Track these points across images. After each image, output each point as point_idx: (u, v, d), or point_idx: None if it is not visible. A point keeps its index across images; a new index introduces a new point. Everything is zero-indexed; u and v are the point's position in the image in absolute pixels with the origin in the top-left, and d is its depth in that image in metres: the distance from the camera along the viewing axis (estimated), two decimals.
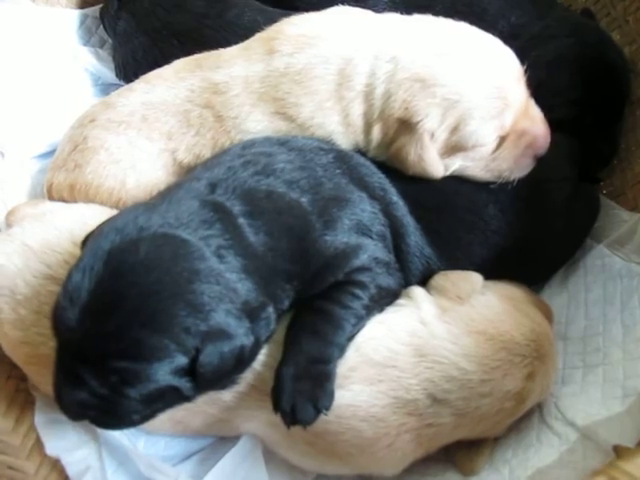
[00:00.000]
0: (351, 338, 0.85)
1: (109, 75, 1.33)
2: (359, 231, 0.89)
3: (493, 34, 0.98)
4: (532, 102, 0.96)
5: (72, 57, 1.33)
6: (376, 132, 0.93)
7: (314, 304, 0.84)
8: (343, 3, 1.11)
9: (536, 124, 0.94)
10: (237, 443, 0.93)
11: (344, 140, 0.96)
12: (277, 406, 0.79)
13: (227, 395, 0.85)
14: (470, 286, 0.91)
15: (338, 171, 0.91)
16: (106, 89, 1.33)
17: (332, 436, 0.82)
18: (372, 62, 0.92)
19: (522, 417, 0.92)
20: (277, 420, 0.80)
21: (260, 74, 0.95)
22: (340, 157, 0.93)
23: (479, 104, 0.89)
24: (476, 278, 0.92)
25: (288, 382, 0.79)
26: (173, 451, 0.98)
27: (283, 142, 0.92)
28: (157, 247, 0.73)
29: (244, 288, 0.77)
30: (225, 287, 0.75)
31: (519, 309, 0.91)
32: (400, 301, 0.91)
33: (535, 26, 1.11)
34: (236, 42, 1.04)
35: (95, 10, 1.36)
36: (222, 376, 0.76)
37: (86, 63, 1.34)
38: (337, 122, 0.94)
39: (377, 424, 0.82)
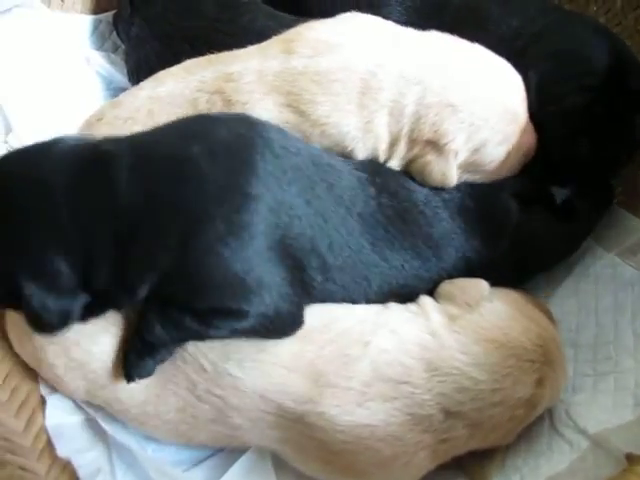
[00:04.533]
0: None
1: (121, 79, 1.34)
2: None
3: (495, 38, 1.06)
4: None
5: (85, 61, 1.34)
6: (402, 147, 0.96)
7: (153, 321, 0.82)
8: (357, 8, 1.12)
9: (530, 135, 1.02)
10: (247, 451, 0.93)
11: (359, 144, 0.96)
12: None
13: (238, 419, 0.85)
14: (478, 292, 0.91)
15: None
16: (118, 93, 1.32)
17: (350, 456, 0.82)
18: (397, 81, 0.93)
19: (532, 424, 0.91)
20: (289, 437, 0.80)
21: (275, 69, 0.95)
22: None
23: (500, 130, 0.96)
24: (483, 284, 0.92)
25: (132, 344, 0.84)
26: (183, 457, 0.98)
27: None
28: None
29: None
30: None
31: (525, 314, 0.91)
32: (411, 308, 0.91)
33: (536, 25, 1.12)
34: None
35: (108, 16, 1.37)
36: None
37: (99, 67, 1.35)
38: (355, 126, 0.95)
39: (395, 443, 0.81)
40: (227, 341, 0.85)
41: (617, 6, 1.21)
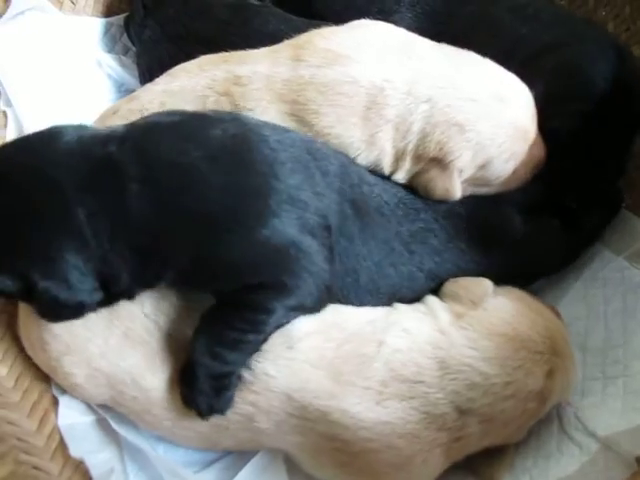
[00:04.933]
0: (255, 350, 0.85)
1: (132, 81, 1.34)
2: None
3: (505, 46, 1.05)
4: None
5: (96, 64, 1.34)
6: (407, 162, 0.96)
7: (214, 321, 0.84)
8: (368, 14, 1.12)
9: (539, 147, 1.01)
10: (258, 452, 0.94)
11: (362, 155, 0.97)
12: (183, 398, 0.85)
13: (265, 423, 0.86)
14: (482, 290, 0.92)
15: None
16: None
17: (371, 455, 0.83)
18: (405, 98, 0.93)
19: (542, 426, 0.93)
20: (308, 442, 0.82)
21: (283, 76, 0.96)
22: None
23: (507, 148, 0.96)
24: (487, 283, 0.93)
25: (195, 388, 0.83)
26: (194, 458, 0.99)
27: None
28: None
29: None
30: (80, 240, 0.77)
31: (531, 308, 0.92)
32: (419, 307, 0.92)
33: (546, 35, 1.11)
34: None
35: (120, 19, 1.37)
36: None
37: (109, 70, 1.35)
38: (359, 138, 0.95)
39: (412, 441, 0.82)
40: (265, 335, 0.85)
41: (626, 12, 1.21)
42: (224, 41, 1.15)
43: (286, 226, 0.81)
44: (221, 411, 0.84)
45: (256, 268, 0.82)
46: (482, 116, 0.93)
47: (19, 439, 0.92)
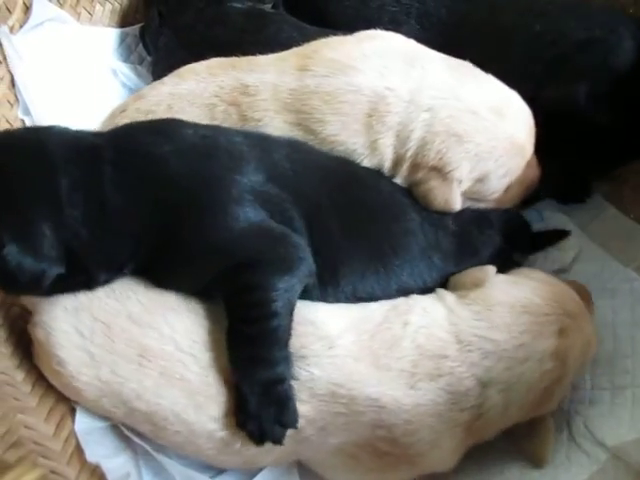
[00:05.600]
0: (289, 338, 0.85)
1: None
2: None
3: (520, 51, 1.09)
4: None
5: (112, 72, 1.37)
6: (405, 168, 0.99)
7: (233, 326, 0.84)
8: (378, 24, 1.14)
9: (534, 169, 1.04)
10: None
11: (366, 160, 0.99)
12: (248, 433, 0.82)
13: (309, 430, 0.85)
14: (484, 274, 0.95)
15: None
16: None
17: (410, 436, 0.84)
18: (407, 106, 0.95)
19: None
20: (349, 441, 0.84)
21: (290, 85, 0.99)
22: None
23: (504, 163, 0.98)
24: (489, 268, 0.96)
25: (253, 411, 0.81)
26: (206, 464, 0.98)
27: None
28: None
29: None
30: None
31: (532, 278, 0.95)
32: (431, 295, 0.95)
33: (572, 33, 1.11)
34: None
35: (135, 29, 1.40)
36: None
37: (125, 79, 1.37)
38: (362, 144, 0.98)
39: (441, 420, 0.84)
40: (302, 343, 0.86)
41: None
42: (239, 49, 1.17)
43: (249, 213, 0.85)
44: (293, 424, 0.82)
45: (226, 251, 0.85)
46: (480, 129, 0.95)
47: (36, 443, 0.93)
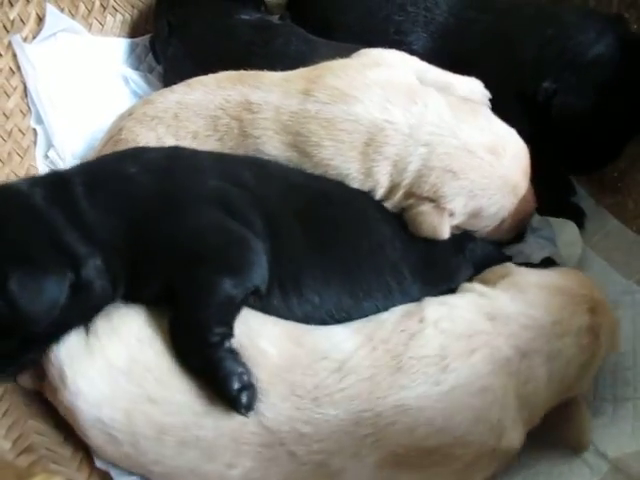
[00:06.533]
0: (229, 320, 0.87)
1: None
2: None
3: (528, 56, 1.12)
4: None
5: (123, 81, 1.39)
6: (399, 196, 1.00)
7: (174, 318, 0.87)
8: (385, 35, 1.17)
9: (528, 203, 1.07)
10: None
11: (359, 185, 1.01)
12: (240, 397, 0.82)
13: (340, 463, 0.84)
14: (505, 269, 0.99)
15: None
16: None
17: (451, 422, 0.82)
18: (406, 140, 0.97)
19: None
20: (385, 454, 0.83)
21: (291, 108, 1.01)
22: None
23: (497, 200, 1.00)
24: (511, 264, 1.02)
25: (233, 372, 0.83)
26: None
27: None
28: None
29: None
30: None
31: (556, 269, 1.01)
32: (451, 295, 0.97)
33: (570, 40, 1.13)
34: (281, 70, 1.09)
35: (145, 39, 1.42)
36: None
37: (136, 86, 1.40)
38: (356, 170, 1.00)
39: (485, 395, 0.84)
40: (319, 379, 0.85)
41: None
42: (247, 60, 1.19)
43: (208, 212, 0.89)
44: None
45: (182, 246, 0.88)
46: (475, 167, 0.98)
47: (48, 449, 0.94)
